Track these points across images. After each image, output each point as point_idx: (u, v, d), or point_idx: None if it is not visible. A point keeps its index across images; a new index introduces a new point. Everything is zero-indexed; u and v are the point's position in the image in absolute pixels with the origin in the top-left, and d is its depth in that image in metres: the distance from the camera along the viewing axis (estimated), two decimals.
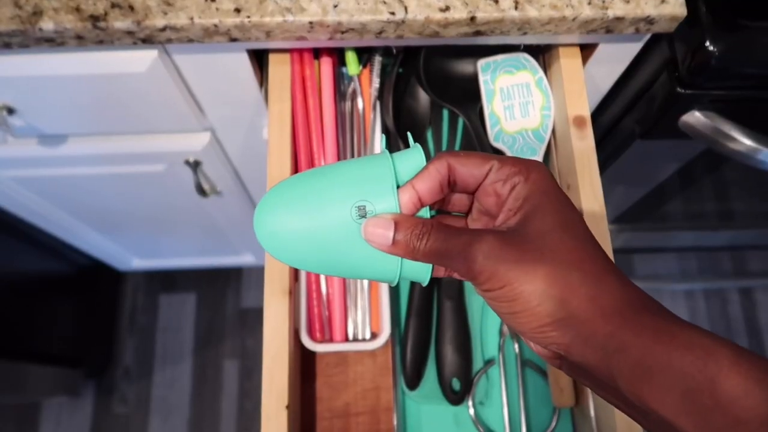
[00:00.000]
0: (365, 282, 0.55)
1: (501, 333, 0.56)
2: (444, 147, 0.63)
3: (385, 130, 0.59)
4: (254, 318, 1.41)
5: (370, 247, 0.31)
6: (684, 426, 0.23)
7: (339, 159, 0.57)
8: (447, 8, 0.48)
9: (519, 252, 0.27)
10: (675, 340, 0.25)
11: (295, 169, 0.56)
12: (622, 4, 0.49)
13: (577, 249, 0.28)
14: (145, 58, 0.53)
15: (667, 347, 0.24)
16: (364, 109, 0.59)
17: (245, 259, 1.28)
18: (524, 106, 0.58)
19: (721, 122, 0.57)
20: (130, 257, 1.24)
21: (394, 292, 0.58)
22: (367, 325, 0.55)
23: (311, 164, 0.56)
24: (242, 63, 0.56)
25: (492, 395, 0.55)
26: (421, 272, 0.32)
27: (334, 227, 0.31)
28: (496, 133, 0.58)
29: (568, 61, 0.56)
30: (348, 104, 0.59)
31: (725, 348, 0.24)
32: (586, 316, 0.26)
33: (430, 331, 0.55)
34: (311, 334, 0.54)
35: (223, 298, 1.42)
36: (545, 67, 0.60)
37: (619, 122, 0.68)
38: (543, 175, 0.29)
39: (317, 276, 0.55)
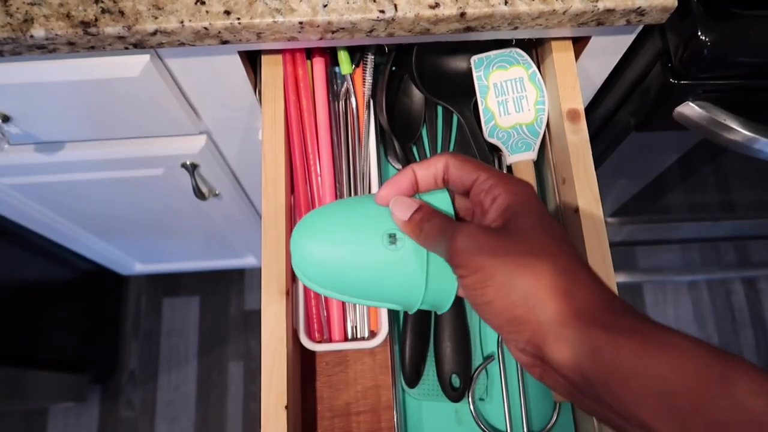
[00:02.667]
0: None
1: None
2: (439, 144, 0.63)
3: (378, 128, 0.59)
4: (258, 319, 1.41)
5: (399, 272, 0.34)
6: (662, 431, 0.23)
7: (334, 158, 0.57)
8: (437, 5, 0.48)
9: (496, 242, 0.29)
10: (649, 341, 0.25)
11: (291, 169, 0.56)
12: None
13: (552, 246, 0.29)
14: (137, 62, 0.53)
15: (641, 348, 0.24)
16: (357, 108, 0.59)
17: (247, 261, 1.28)
18: (518, 101, 0.58)
19: (717, 112, 0.56)
20: (133, 262, 1.25)
21: None
22: (365, 324, 0.55)
23: (306, 164, 0.56)
24: (235, 65, 0.56)
25: (492, 391, 0.55)
26: (444, 295, 0.34)
27: (367, 252, 0.34)
28: (490, 128, 0.58)
29: (560, 55, 0.56)
30: (341, 103, 0.59)
31: (700, 348, 0.24)
32: (557, 309, 0.26)
33: (428, 328, 0.55)
34: (310, 334, 0.54)
35: (227, 300, 1.43)
36: (538, 62, 0.60)
37: (614, 115, 0.67)
38: (524, 189, 0.32)
39: None
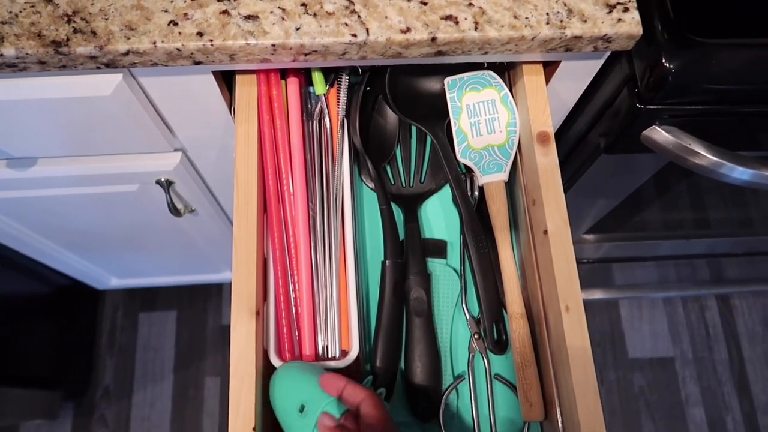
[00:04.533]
0: (335, 299, 0.55)
1: (470, 349, 0.57)
2: (413, 164, 0.64)
3: (352, 148, 0.60)
4: None
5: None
6: None
7: (307, 178, 0.57)
8: (408, 29, 0.49)
9: None
10: None
11: (264, 188, 0.56)
12: (579, 24, 0.50)
13: None
14: (110, 81, 0.53)
15: None
16: (331, 128, 0.59)
17: (225, 275, 1.27)
18: (490, 122, 0.59)
19: (682, 137, 0.58)
20: (108, 276, 1.23)
21: (364, 309, 0.58)
22: (336, 343, 0.55)
23: (279, 183, 0.56)
24: (209, 85, 0.57)
25: (462, 411, 0.56)
26: None
27: (287, 414, 0.48)
28: (463, 149, 0.59)
29: (531, 78, 0.57)
30: (315, 123, 0.59)
31: None
32: None
33: (399, 348, 0.56)
34: (281, 353, 0.54)
35: (204, 315, 1.42)
36: (510, 84, 0.61)
37: (585, 136, 0.69)
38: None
39: (287, 295, 0.55)
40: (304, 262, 0.55)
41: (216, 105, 0.60)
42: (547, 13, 0.50)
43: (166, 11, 0.48)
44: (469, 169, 0.60)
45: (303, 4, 0.49)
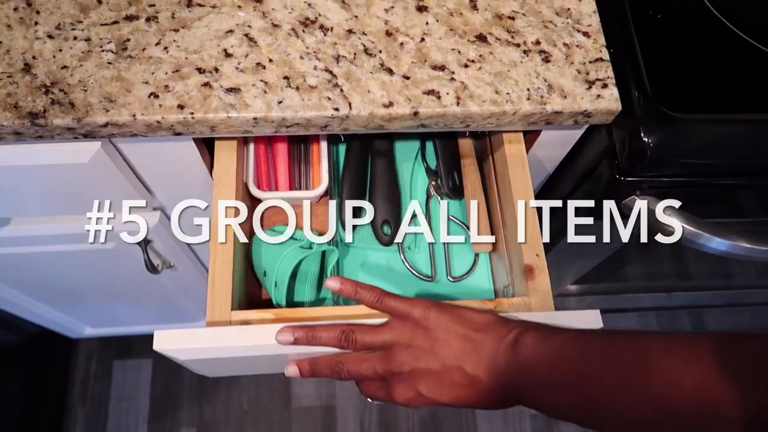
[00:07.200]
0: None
1: (428, 194, 0.63)
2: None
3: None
4: (212, 383, 1.36)
5: None
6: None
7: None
8: (391, 104, 0.49)
9: None
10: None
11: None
12: (559, 100, 0.51)
13: None
14: (87, 149, 0.52)
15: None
16: None
17: (201, 325, 1.25)
18: None
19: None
20: (82, 326, 1.20)
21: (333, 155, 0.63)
22: (309, 180, 0.61)
23: None
24: (189, 150, 0.56)
25: (420, 243, 0.62)
26: None
27: None
28: None
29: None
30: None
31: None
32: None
33: (364, 184, 0.61)
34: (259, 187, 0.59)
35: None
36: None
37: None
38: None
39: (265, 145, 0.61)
40: None
41: (196, 168, 0.60)
42: (528, 89, 0.51)
43: (146, 83, 0.48)
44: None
45: (285, 77, 0.49)
